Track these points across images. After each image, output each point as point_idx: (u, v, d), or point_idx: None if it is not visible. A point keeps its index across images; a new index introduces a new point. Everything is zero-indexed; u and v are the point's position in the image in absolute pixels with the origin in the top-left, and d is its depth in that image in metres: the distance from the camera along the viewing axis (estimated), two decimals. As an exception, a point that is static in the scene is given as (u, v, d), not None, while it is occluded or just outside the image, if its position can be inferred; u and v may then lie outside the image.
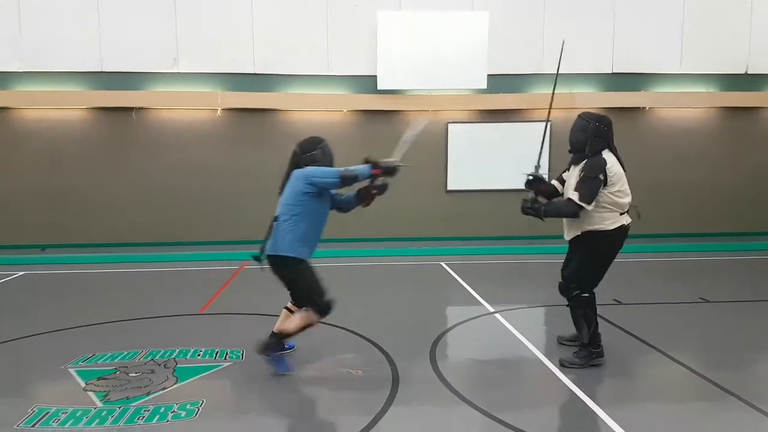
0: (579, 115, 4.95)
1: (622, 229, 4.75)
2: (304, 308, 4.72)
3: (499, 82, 10.69)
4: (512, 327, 5.99)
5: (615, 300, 7.06)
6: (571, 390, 4.44)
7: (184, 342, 5.51)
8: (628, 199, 4.75)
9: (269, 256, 4.66)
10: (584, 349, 4.88)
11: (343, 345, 5.49)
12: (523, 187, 5.34)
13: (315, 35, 10.38)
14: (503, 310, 6.61)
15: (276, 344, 4.81)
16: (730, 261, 9.86)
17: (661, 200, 11.28)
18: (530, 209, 5.07)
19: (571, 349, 5.11)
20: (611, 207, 4.67)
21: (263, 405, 4.35)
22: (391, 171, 4.80)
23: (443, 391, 4.43)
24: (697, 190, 11.33)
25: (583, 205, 4.60)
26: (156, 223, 10.47)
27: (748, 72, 11.03)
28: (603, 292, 7.31)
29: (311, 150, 4.93)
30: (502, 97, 10.71)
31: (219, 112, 10.36)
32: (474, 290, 7.58)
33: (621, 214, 4.72)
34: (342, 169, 4.62)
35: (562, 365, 4.86)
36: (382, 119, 10.69)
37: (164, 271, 9.09)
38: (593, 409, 4.11)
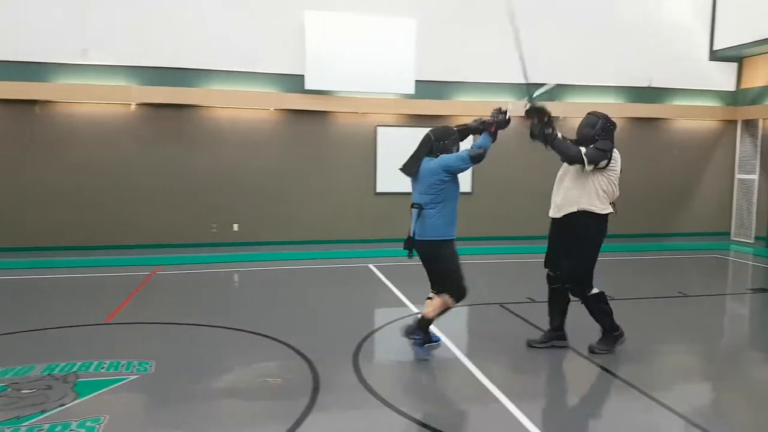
0: (588, 113, 5.24)
1: (607, 219, 5.04)
2: (441, 293, 5.02)
3: (427, 88, 10.72)
4: (435, 328, 5.89)
5: (528, 298, 7.22)
6: (486, 387, 4.45)
7: (87, 354, 5.10)
8: (617, 193, 5.05)
9: (422, 242, 5.07)
10: (608, 334, 5.16)
11: (261, 353, 5.27)
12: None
13: (241, 30, 10.01)
14: (428, 312, 6.54)
15: (420, 329, 5.04)
16: (631, 261, 10.33)
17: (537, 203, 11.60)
18: (541, 134, 5.12)
19: (538, 350, 5.31)
20: (605, 194, 4.97)
21: (172, 419, 4.07)
22: (504, 124, 5.18)
23: (365, 395, 4.30)
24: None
25: (586, 160, 4.84)
26: (61, 226, 9.68)
27: (651, 85, 11.58)
28: (517, 290, 7.52)
29: (445, 138, 5.17)
30: (429, 103, 10.74)
31: (133, 107, 9.80)
32: (400, 292, 7.50)
33: (610, 203, 5.04)
34: (470, 151, 4.98)
35: (592, 352, 5.12)
36: (309, 119, 10.47)
37: (69, 277, 8.47)
38: (506, 405, 4.13)
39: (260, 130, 10.38)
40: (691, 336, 5.91)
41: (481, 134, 5.17)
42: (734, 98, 12.11)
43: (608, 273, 9.21)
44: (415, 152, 5.21)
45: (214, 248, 10.22)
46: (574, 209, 5.00)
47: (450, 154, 5.07)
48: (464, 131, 5.29)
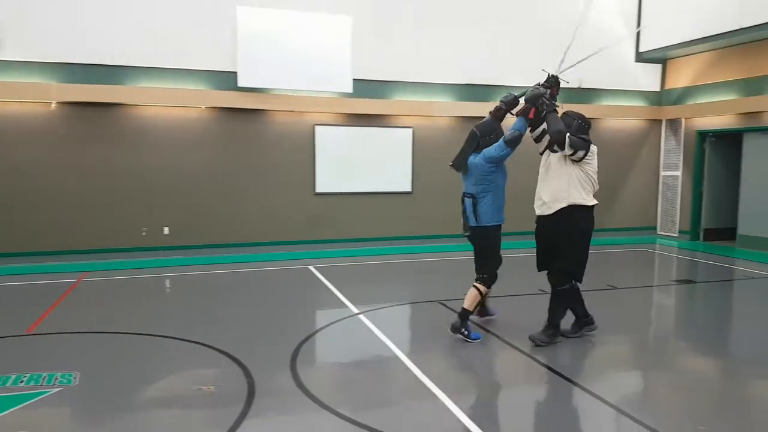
0: (564, 112, 5.32)
1: (593, 211, 5.17)
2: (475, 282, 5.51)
3: (365, 87, 10.68)
4: (375, 327, 5.90)
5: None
6: (425, 385, 4.44)
7: (5, 367, 4.78)
8: (596, 187, 5.19)
9: (477, 228, 5.52)
10: (550, 328, 5.31)
11: (193, 361, 5.07)
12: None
13: (169, 25, 9.68)
14: (367, 311, 6.51)
15: (465, 320, 5.47)
16: None
17: (512, 201, 11.76)
18: (543, 103, 5.26)
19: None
20: (588, 185, 5.09)
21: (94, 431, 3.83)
22: (535, 99, 5.30)
23: (302, 399, 4.20)
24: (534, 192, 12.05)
25: (567, 143, 4.98)
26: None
27: (581, 86, 11.97)
28: (455, 287, 7.56)
29: (489, 134, 5.48)
30: (367, 102, 10.70)
31: (53, 105, 9.29)
32: (340, 293, 7.42)
33: (594, 195, 5.18)
34: (506, 137, 5.29)
35: (532, 341, 5.29)
36: (244, 118, 10.24)
37: (-9, 286, 7.98)
38: (444, 402, 4.14)
39: (192, 129, 10.06)
40: (621, 327, 6.09)
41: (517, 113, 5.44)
42: (659, 98, 12.65)
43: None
44: (463, 148, 5.52)
45: (144, 253, 9.85)
46: (565, 204, 5.09)
47: (490, 146, 5.40)
48: (498, 113, 5.59)
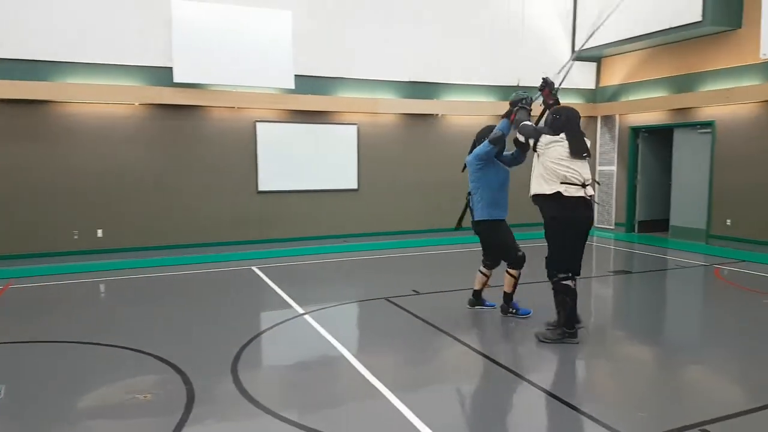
0: (555, 108, 5.43)
1: (564, 198, 5.01)
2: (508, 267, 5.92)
3: (306, 83, 10.53)
4: (321, 327, 5.81)
5: (414, 291, 7.34)
6: (372, 384, 4.40)
7: None
8: (571, 173, 5.03)
9: (474, 222, 5.99)
10: (558, 327, 5.30)
11: (129, 368, 4.85)
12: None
13: (100, 19, 9.26)
14: (313, 311, 6.42)
15: (507, 303, 6.05)
16: None
17: (457, 197, 11.93)
18: (521, 104, 5.60)
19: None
20: (550, 175, 5.07)
21: (23, 448, 3.61)
22: (518, 103, 5.60)
23: (244, 404, 4.07)
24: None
25: (517, 131, 5.42)
26: None
27: (520, 84, 12.20)
28: (403, 284, 7.60)
29: (484, 137, 5.88)
30: (310, 99, 10.56)
31: (-24, 103, 8.78)
32: (285, 293, 7.28)
33: (562, 183, 5.03)
34: (489, 137, 5.72)
35: (537, 337, 5.35)
36: (180, 114, 9.93)
37: None
38: (390, 399, 4.11)
39: (125, 127, 9.68)
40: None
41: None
42: (594, 95, 13.03)
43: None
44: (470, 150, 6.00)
45: (77, 257, 9.41)
46: (531, 194, 5.28)
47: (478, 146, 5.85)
48: (506, 114, 5.79)
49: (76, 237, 9.49)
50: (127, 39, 9.45)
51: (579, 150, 5.10)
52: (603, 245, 11.32)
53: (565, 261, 5.19)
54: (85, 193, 9.49)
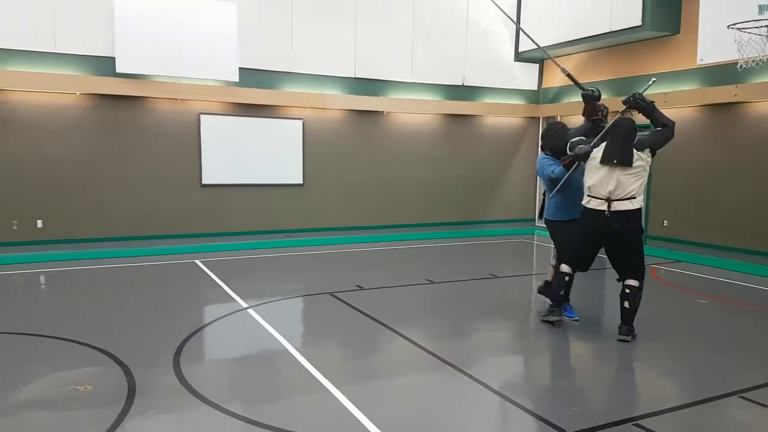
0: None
1: (587, 211, 5.51)
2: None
3: (251, 77, 10.44)
4: (264, 321, 5.85)
5: (357, 286, 7.45)
6: (315, 377, 4.47)
7: None
8: (589, 182, 5.47)
9: (546, 220, 6.19)
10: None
11: (68, 360, 4.79)
12: None
13: (41, 5, 8.92)
14: (257, 305, 6.45)
15: (546, 289, 6.31)
16: (447, 247, 11.06)
17: (401, 194, 12.15)
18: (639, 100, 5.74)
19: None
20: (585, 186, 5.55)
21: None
22: (581, 157, 5.60)
23: (186, 397, 4.09)
24: (429, 184, 12.40)
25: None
26: None
27: (465, 84, 12.46)
28: (347, 279, 7.72)
29: (562, 138, 5.91)
30: (255, 92, 10.48)
31: None
32: (228, 287, 7.27)
33: (587, 195, 5.50)
34: (550, 172, 5.83)
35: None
36: (123, 105, 9.69)
37: None
38: (333, 392, 4.19)
39: (65, 117, 9.38)
40: (502, 313, 6.43)
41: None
42: (536, 97, 13.41)
43: (426, 257, 9.90)
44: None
45: (15, 248, 9.08)
46: None
47: (544, 160, 6.04)
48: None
49: (15, 227, 9.16)
50: (69, 27, 9.15)
51: (609, 157, 5.34)
52: (544, 243, 11.68)
53: (568, 256, 5.73)
54: (25, 183, 9.16)
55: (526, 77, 13.18)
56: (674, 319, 6.43)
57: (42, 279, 7.84)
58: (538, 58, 13.08)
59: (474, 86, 12.61)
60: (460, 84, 12.30)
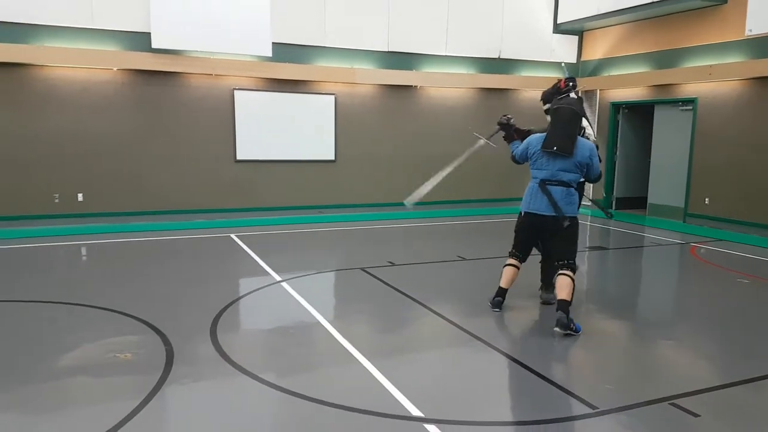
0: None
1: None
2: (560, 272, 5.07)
3: (285, 52, 10.43)
4: (298, 294, 5.90)
5: (389, 262, 7.43)
6: (346, 349, 4.51)
7: None
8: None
9: (562, 218, 5.09)
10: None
11: (110, 328, 4.92)
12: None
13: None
14: (290, 278, 6.50)
15: (566, 313, 4.88)
16: (484, 223, 10.94)
17: (433, 170, 11.99)
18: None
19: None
20: None
21: (13, 401, 3.68)
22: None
23: (222, 365, 4.17)
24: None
25: None
26: None
27: (501, 57, 12.19)
28: (379, 255, 7.72)
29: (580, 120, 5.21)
30: (288, 67, 10.48)
31: (-48, 65, 8.61)
32: (263, 261, 7.35)
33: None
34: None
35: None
36: (159, 81, 9.82)
37: None
38: (364, 364, 4.22)
39: (103, 92, 9.56)
40: (533, 291, 6.27)
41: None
42: (575, 70, 13.08)
43: (458, 234, 9.86)
44: (568, 129, 5.07)
45: (58, 220, 9.37)
46: None
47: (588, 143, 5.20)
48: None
49: (57, 201, 9.44)
50: (107, 3, 9.28)
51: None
52: (580, 222, 11.44)
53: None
54: (66, 157, 9.41)
55: (564, 49, 12.86)
56: (714, 299, 6.27)
57: (83, 251, 8.06)
58: (578, 30, 12.74)
59: (510, 59, 12.37)
60: (496, 57, 12.07)
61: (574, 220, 5.21)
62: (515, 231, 5.55)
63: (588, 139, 5.37)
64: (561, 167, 5.11)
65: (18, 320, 5.12)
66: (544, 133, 5.20)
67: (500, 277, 5.48)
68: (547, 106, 5.48)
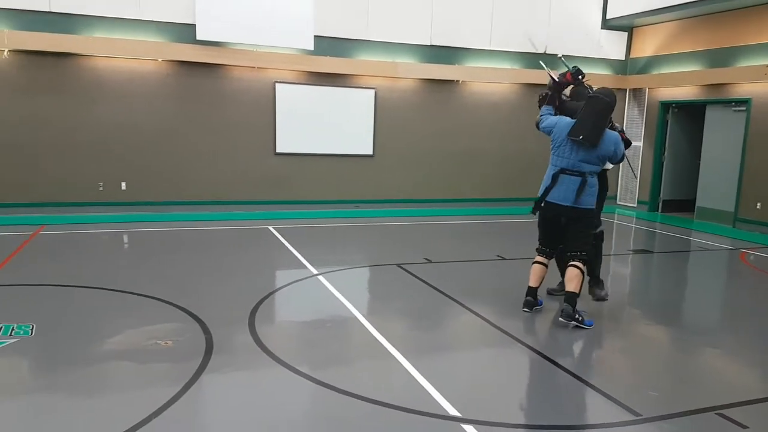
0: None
1: None
2: (571, 264, 5.00)
3: (327, 45, 10.44)
4: (334, 288, 5.90)
5: (426, 259, 7.36)
6: (381, 344, 4.49)
7: (-44, 319, 4.64)
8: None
9: (577, 209, 4.98)
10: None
11: (151, 316, 5.01)
12: None
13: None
14: (326, 272, 6.50)
15: (575, 305, 4.90)
16: (526, 223, 10.63)
17: (474, 167, 11.91)
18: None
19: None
20: None
21: (59, 383, 3.79)
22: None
23: (260, 355, 4.20)
24: (505, 157, 12.08)
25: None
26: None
27: (547, 52, 11.91)
28: (416, 251, 7.65)
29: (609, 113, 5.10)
30: (329, 60, 10.47)
31: (5, 54, 8.87)
32: (300, 254, 7.38)
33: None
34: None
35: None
36: (202, 72, 9.94)
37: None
38: (400, 360, 4.20)
39: (148, 83, 9.73)
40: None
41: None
42: (624, 67, 12.75)
43: (498, 233, 9.72)
44: (598, 120, 4.95)
45: (102, 208, 9.61)
46: None
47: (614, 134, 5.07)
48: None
49: (101, 189, 9.68)
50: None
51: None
52: (625, 223, 11.18)
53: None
54: (110, 147, 9.62)
55: (613, 46, 12.53)
56: (763, 307, 6.03)
57: (125, 238, 8.24)
58: (627, 26, 12.41)
59: (557, 55, 12.08)
60: (542, 52, 11.84)
61: (590, 212, 5.08)
62: (538, 225, 5.49)
63: (615, 128, 5.26)
64: (583, 158, 5.01)
65: (64, 304, 5.25)
66: (572, 120, 5.10)
67: (529, 276, 5.36)
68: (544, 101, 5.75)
